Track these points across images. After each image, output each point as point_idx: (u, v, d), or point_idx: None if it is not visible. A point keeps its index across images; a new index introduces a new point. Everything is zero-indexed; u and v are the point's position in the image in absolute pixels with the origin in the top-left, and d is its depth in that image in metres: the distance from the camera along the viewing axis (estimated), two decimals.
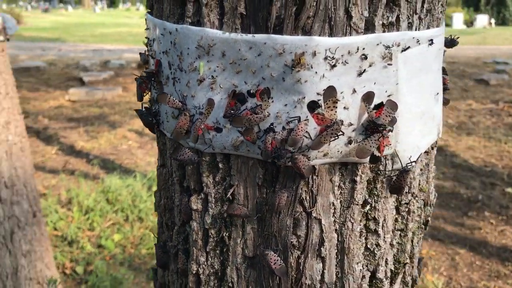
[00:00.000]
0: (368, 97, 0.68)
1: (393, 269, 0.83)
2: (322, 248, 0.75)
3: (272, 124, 0.68)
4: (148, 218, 3.35)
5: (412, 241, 0.86)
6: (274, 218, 0.74)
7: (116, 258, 2.97)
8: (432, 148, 0.87)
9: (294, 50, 0.64)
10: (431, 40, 0.72)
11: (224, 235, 0.79)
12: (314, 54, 0.63)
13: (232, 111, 0.69)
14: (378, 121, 0.67)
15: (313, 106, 0.67)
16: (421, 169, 0.84)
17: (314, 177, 0.72)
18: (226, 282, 0.81)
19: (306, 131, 0.67)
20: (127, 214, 3.38)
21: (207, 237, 0.80)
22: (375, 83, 0.68)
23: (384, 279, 0.81)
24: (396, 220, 0.82)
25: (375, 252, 0.79)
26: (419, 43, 0.71)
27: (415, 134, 0.76)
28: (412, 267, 0.89)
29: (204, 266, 0.82)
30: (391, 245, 0.82)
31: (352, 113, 0.68)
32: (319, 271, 0.77)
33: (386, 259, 0.81)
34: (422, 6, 0.72)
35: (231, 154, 0.74)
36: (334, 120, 0.66)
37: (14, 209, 2.43)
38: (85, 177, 4.03)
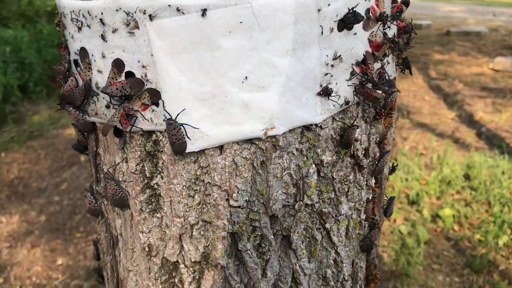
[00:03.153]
0: (117, 64, 0.67)
1: None
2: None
3: None
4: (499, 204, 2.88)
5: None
6: (91, 160, 0.84)
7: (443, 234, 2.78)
8: (277, 147, 0.71)
9: (60, 10, 0.72)
10: (204, 10, 0.62)
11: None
12: (64, 15, 0.69)
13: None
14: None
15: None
16: (249, 168, 0.72)
17: (101, 135, 0.77)
18: None
19: (77, 87, 0.74)
20: (476, 194, 3.01)
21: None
22: (124, 51, 0.67)
23: None
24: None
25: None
26: (182, 13, 0.63)
27: (196, 117, 0.68)
28: None
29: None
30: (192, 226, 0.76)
31: (107, 77, 0.69)
32: (120, 225, 0.82)
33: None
34: None
35: None
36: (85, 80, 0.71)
37: None
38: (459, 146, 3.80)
